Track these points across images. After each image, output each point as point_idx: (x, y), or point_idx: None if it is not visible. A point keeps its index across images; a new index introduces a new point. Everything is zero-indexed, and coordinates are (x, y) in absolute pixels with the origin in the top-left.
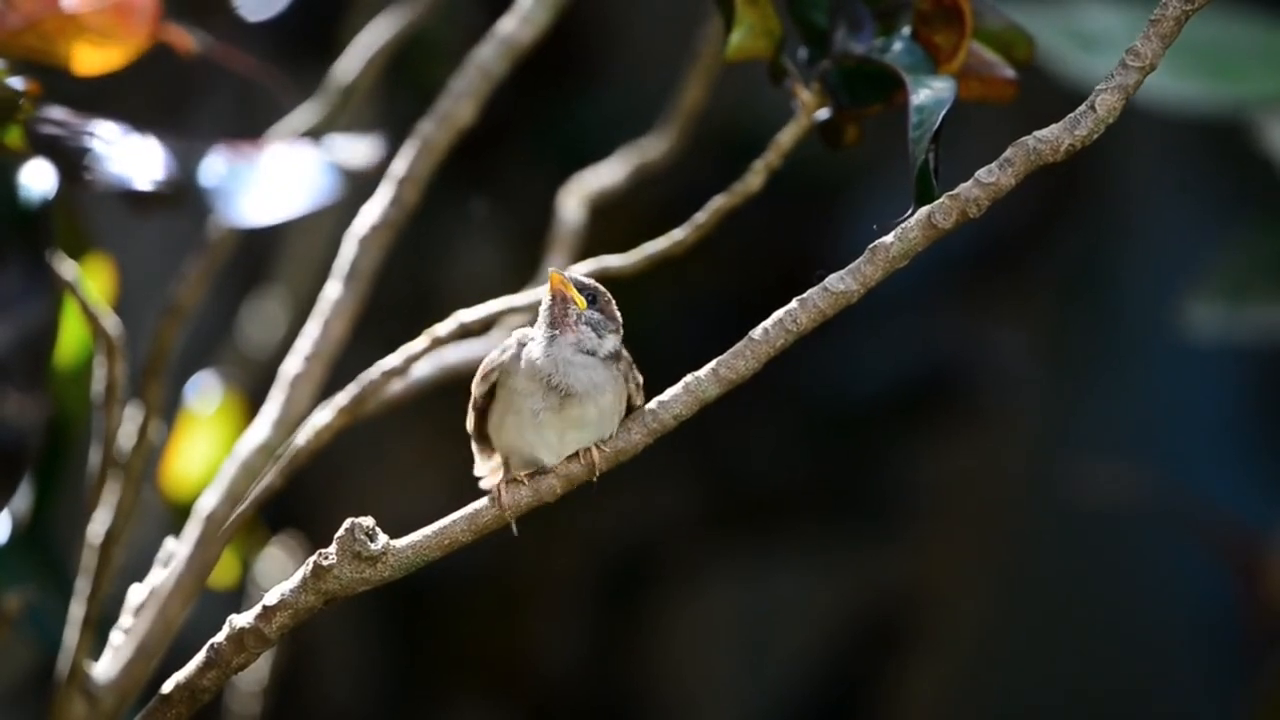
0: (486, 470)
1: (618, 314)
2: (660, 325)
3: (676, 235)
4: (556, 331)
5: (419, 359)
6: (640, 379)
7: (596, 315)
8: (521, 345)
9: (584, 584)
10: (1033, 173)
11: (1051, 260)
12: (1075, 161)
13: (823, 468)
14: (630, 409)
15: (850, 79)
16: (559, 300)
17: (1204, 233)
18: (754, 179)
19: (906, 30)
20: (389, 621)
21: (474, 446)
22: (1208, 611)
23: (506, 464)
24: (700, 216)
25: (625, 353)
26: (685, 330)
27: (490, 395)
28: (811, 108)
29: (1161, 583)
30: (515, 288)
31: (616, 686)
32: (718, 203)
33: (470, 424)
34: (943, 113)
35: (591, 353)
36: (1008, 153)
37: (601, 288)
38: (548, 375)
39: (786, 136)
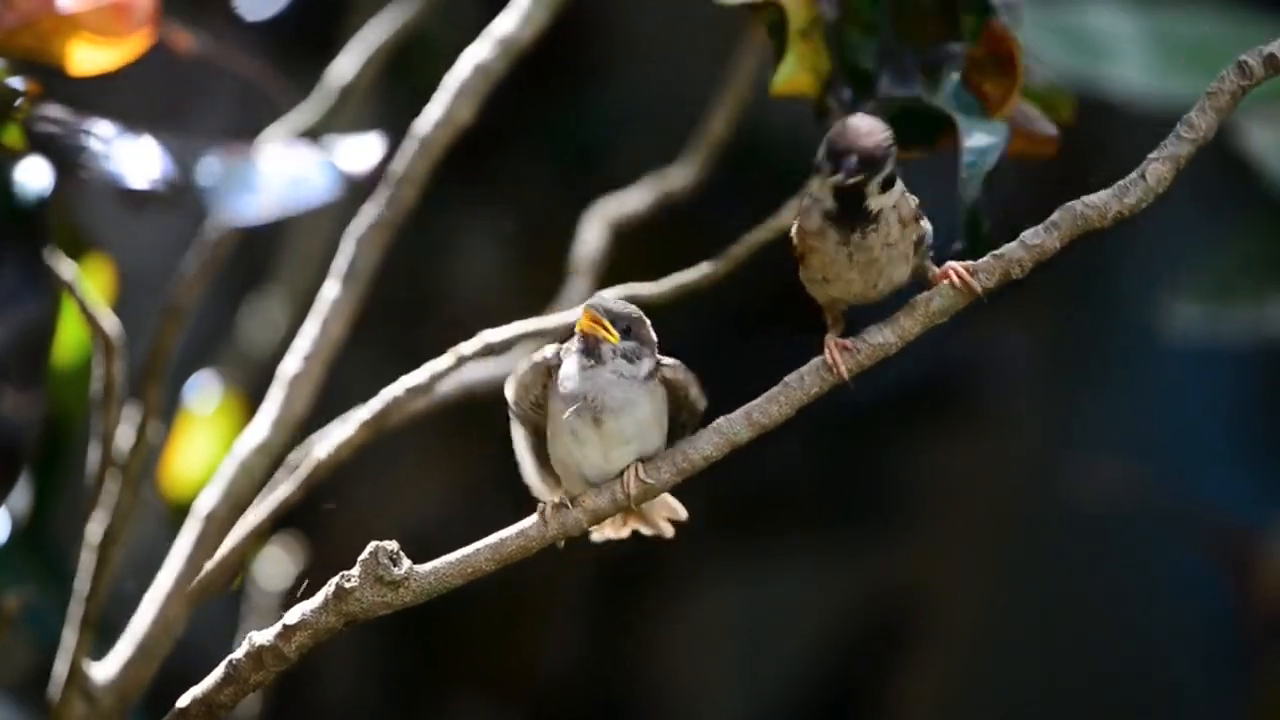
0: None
1: (652, 335)
2: (661, 327)
3: (707, 268)
4: (591, 363)
5: (444, 377)
6: (681, 372)
7: (631, 344)
8: (555, 364)
9: (584, 584)
10: (1029, 175)
11: (1051, 260)
12: (1072, 161)
13: (823, 468)
14: (687, 405)
15: (896, 121)
16: (593, 337)
17: (1203, 232)
18: (789, 215)
19: (954, 77)
20: (389, 622)
21: (539, 476)
22: (1206, 611)
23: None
24: (734, 249)
25: (662, 360)
26: (686, 330)
27: (538, 407)
28: None
29: (1160, 582)
30: (516, 288)
31: (616, 687)
32: (751, 236)
33: (521, 445)
34: (996, 156)
35: (631, 378)
36: (1055, 216)
37: (635, 312)
38: (584, 395)
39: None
